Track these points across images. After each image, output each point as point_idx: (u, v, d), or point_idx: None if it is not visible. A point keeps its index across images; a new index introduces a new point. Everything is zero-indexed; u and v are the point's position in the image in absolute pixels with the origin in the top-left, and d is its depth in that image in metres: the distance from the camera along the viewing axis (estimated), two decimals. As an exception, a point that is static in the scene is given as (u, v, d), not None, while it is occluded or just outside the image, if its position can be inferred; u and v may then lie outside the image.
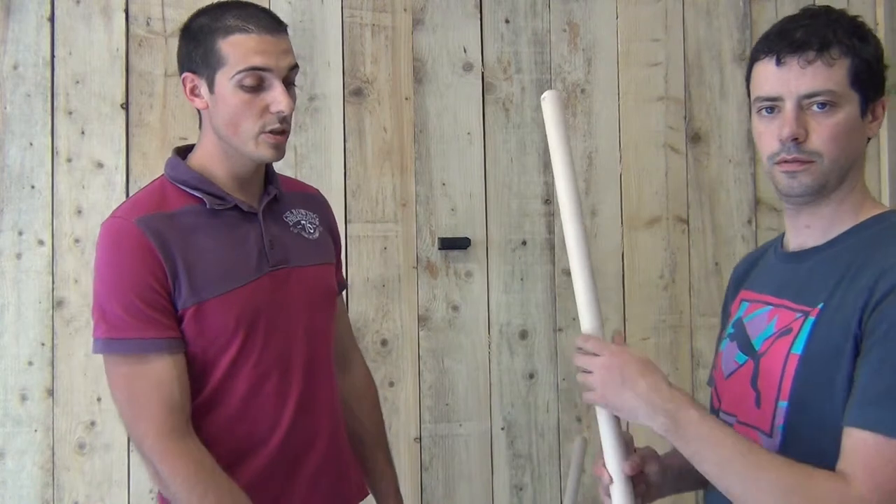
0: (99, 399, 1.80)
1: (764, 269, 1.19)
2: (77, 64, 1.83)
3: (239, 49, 1.20)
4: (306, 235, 1.37)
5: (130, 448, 1.81)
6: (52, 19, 1.83)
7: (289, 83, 1.24)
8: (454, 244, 1.99)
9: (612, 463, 1.05)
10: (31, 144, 1.81)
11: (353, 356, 1.53)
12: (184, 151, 1.32)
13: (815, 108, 1.02)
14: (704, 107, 2.16)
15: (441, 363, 1.99)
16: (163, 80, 1.87)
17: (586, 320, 1.06)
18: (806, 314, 1.02)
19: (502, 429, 2.03)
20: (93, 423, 1.80)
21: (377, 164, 1.97)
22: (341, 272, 1.52)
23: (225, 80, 1.21)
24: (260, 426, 1.27)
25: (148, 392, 1.19)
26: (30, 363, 1.78)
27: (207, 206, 1.25)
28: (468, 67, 2.04)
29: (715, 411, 1.17)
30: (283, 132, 1.23)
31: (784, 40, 1.03)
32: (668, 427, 0.97)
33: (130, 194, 1.83)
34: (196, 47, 1.23)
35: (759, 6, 2.21)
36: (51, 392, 1.79)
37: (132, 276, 1.18)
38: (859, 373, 0.94)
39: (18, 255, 1.79)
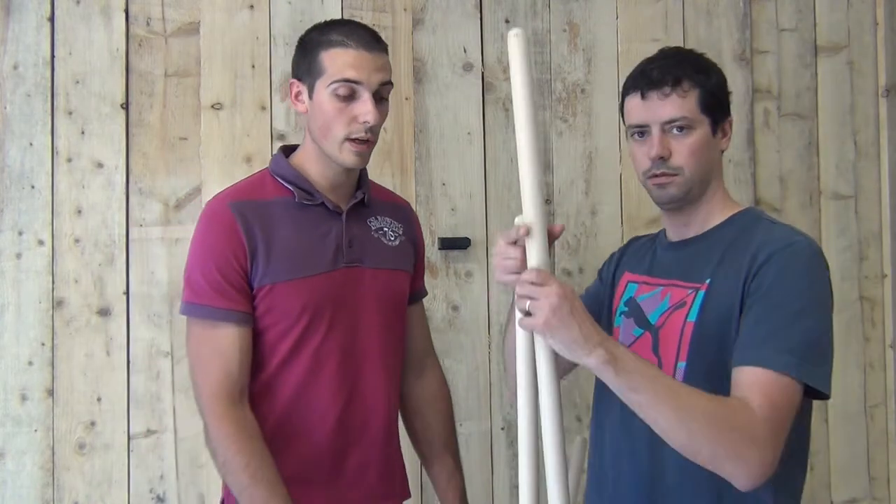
0: (99, 399, 1.80)
1: (651, 257, 1.39)
2: (77, 64, 1.83)
3: (337, 61, 1.32)
4: (386, 241, 1.47)
5: (130, 448, 1.81)
6: (52, 19, 1.83)
7: (380, 97, 1.35)
8: (454, 244, 2.00)
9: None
10: (31, 144, 1.81)
11: (429, 363, 1.62)
12: (289, 150, 1.46)
13: (674, 131, 1.25)
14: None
15: (441, 363, 1.99)
16: (163, 80, 1.87)
17: (534, 256, 1.11)
18: (696, 289, 1.24)
19: (502, 429, 2.03)
20: (93, 423, 1.80)
21: (377, 164, 1.97)
22: (422, 281, 1.63)
23: (322, 88, 1.33)
24: (313, 411, 1.36)
25: (210, 355, 1.31)
26: (30, 363, 1.79)
27: (296, 200, 1.38)
28: (468, 67, 2.04)
29: None
30: (366, 141, 1.34)
31: (645, 79, 1.27)
32: (606, 360, 1.06)
33: (130, 194, 1.84)
34: (304, 57, 1.37)
35: (759, 6, 2.21)
36: (51, 392, 1.79)
37: (216, 251, 1.32)
38: (744, 323, 1.14)
39: (18, 255, 1.79)
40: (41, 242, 1.80)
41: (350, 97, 1.32)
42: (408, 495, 1.52)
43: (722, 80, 1.30)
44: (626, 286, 1.39)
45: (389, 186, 1.95)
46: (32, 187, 1.80)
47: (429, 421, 1.59)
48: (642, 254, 1.43)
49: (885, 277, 2.27)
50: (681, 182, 1.26)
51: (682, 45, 2.14)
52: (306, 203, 1.38)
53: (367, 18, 1.97)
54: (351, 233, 1.40)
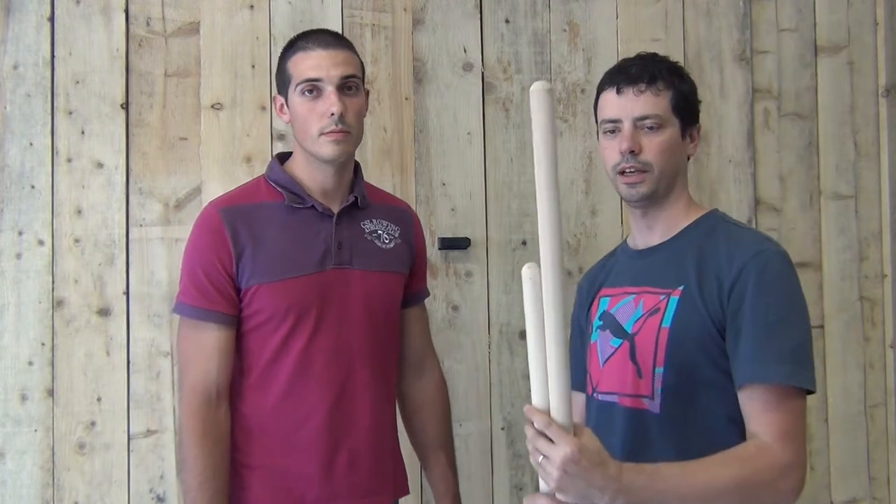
0: (99, 399, 1.80)
1: (617, 268, 1.42)
2: (77, 64, 1.83)
3: (298, 66, 1.43)
4: (379, 244, 1.51)
5: (130, 448, 1.81)
6: (52, 19, 1.83)
7: (345, 89, 1.42)
8: (454, 244, 1.99)
9: None
10: (31, 144, 1.81)
11: (429, 364, 1.67)
12: (284, 157, 1.53)
13: (646, 128, 1.28)
14: (704, 107, 2.12)
15: (441, 363, 1.99)
16: (163, 80, 1.87)
17: (555, 397, 1.03)
18: (668, 295, 1.26)
19: (502, 429, 2.03)
20: (93, 423, 1.80)
21: (377, 164, 1.97)
22: (423, 284, 1.66)
23: (293, 93, 1.44)
24: (304, 406, 1.42)
25: (192, 352, 1.41)
26: (30, 363, 1.79)
27: (286, 203, 1.44)
28: (468, 67, 2.04)
29: (592, 395, 1.37)
30: (340, 131, 1.40)
31: (622, 75, 1.31)
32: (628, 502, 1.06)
33: (130, 194, 1.84)
34: (279, 71, 1.49)
35: (759, 6, 2.21)
36: (51, 392, 1.79)
37: (202, 254, 1.42)
38: (734, 340, 1.18)
39: (18, 255, 1.79)
40: (41, 242, 1.80)
41: (317, 95, 1.41)
42: (405, 492, 1.57)
43: (694, 88, 1.35)
44: (598, 302, 1.41)
45: (389, 186, 1.96)
46: (32, 187, 1.80)
47: (425, 422, 1.64)
48: (608, 269, 1.45)
49: (885, 277, 2.26)
50: (650, 180, 1.29)
51: (682, 45, 2.15)
52: (296, 206, 1.45)
53: (367, 18, 1.97)
54: (341, 235, 1.46)
